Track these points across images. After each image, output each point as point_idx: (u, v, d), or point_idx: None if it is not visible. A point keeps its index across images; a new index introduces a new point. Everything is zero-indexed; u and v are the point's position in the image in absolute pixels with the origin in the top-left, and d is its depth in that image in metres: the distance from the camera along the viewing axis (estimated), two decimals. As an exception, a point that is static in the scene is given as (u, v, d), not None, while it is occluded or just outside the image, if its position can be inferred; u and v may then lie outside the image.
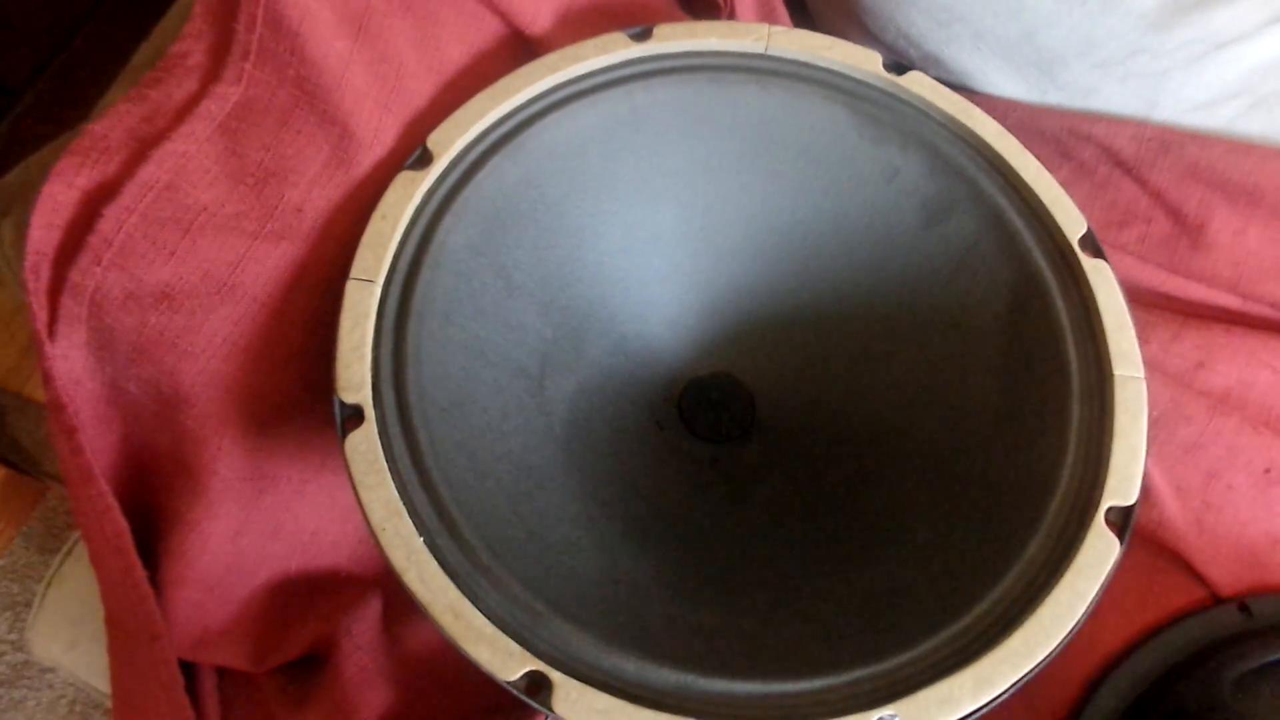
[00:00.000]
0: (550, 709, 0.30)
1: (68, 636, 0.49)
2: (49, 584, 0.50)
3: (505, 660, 0.30)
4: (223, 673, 0.44)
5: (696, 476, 0.42)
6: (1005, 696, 0.31)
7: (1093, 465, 0.35)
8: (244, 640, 0.42)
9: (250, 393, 0.38)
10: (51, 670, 0.80)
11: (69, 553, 0.51)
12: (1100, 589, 0.33)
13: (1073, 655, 0.41)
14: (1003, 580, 0.33)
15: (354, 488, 0.33)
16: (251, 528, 0.41)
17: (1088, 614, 0.32)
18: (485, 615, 0.31)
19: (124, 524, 0.37)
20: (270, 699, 0.43)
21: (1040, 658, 0.32)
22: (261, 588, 0.43)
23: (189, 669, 0.42)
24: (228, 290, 0.37)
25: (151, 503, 0.41)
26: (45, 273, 0.36)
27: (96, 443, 0.39)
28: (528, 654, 0.31)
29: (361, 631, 0.42)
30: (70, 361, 0.37)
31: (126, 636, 0.41)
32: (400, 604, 0.43)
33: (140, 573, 0.38)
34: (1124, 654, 0.41)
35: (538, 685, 0.30)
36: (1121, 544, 0.34)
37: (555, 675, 0.30)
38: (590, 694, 0.30)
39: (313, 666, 0.43)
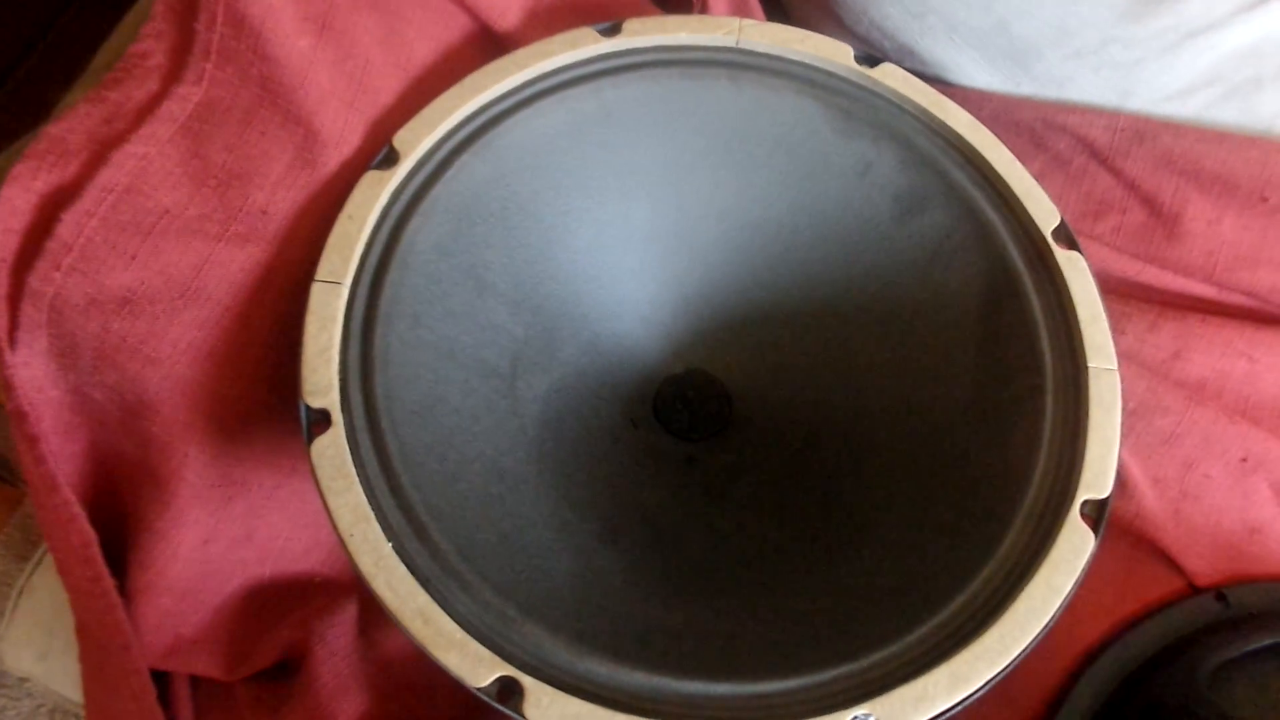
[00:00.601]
0: (522, 715, 0.30)
1: (39, 646, 0.48)
2: (20, 593, 0.49)
3: (475, 666, 0.30)
4: (197, 681, 0.43)
5: (672, 476, 0.42)
6: (980, 693, 0.31)
7: (1067, 459, 0.35)
8: (217, 648, 0.42)
9: (217, 398, 0.38)
10: (30, 679, 0.79)
11: (39, 561, 0.50)
12: (1075, 583, 0.33)
13: (1051, 648, 0.41)
14: (977, 576, 0.33)
15: (321, 493, 0.32)
16: (222, 535, 0.40)
17: (1063, 609, 0.32)
18: (455, 620, 0.31)
19: (91, 533, 0.37)
20: (245, 707, 0.42)
21: (1015, 653, 0.31)
22: (234, 595, 0.42)
23: (162, 678, 0.42)
24: (191, 295, 0.36)
25: (120, 511, 0.40)
26: (4, 279, 0.35)
27: (61, 451, 0.38)
28: (498, 659, 0.30)
29: (336, 637, 0.41)
30: (32, 369, 0.36)
31: (96, 646, 0.40)
32: (375, 609, 0.43)
33: (108, 582, 0.37)
34: (1102, 646, 0.41)
35: (509, 691, 0.30)
36: (1096, 538, 0.33)
37: (526, 680, 0.30)
38: (562, 699, 0.30)
39: (287, 673, 0.42)
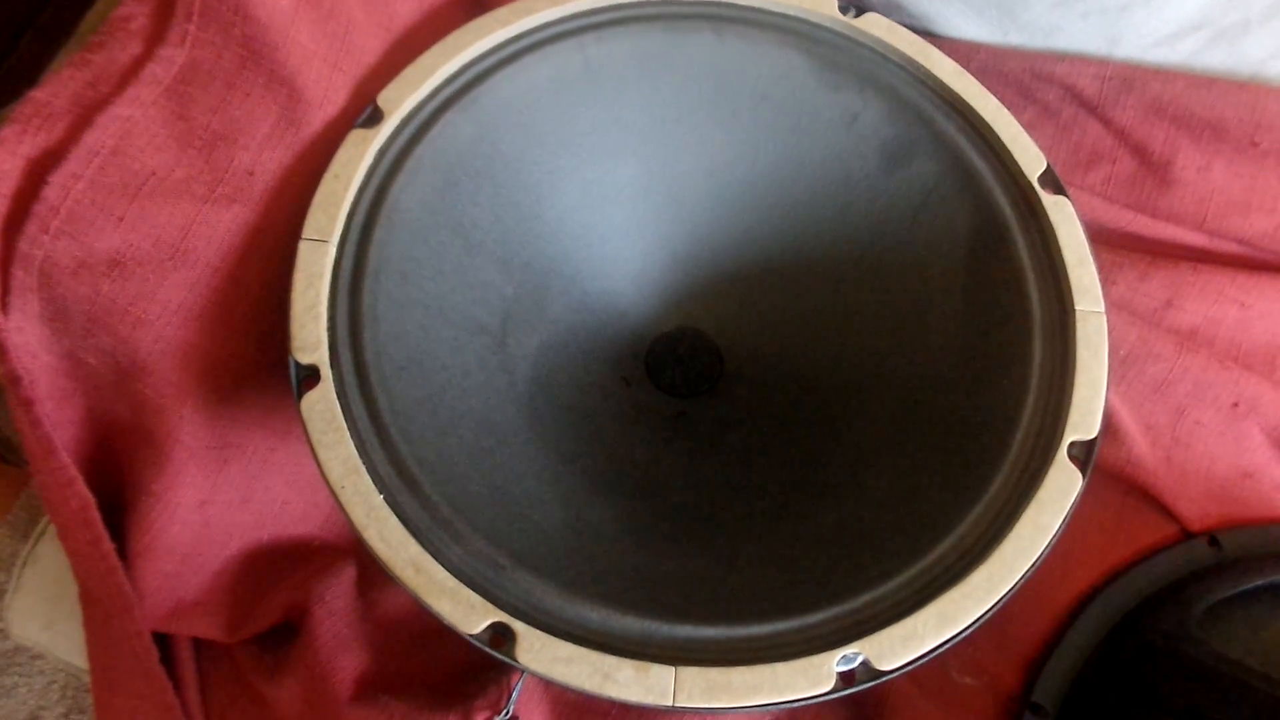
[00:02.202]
0: (514, 659, 0.30)
1: (44, 616, 0.49)
2: (24, 564, 0.49)
3: (467, 613, 0.30)
4: (198, 644, 0.44)
5: (663, 430, 0.42)
6: (968, 632, 0.31)
7: (1055, 401, 0.35)
8: (218, 610, 0.42)
9: (209, 359, 0.38)
10: (42, 656, 0.80)
11: (43, 532, 0.51)
12: (1063, 523, 0.33)
13: (1045, 592, 0.41)
14: (966, 518, 0.33)
15: (311, 447, 0.32)
16: (219, 497, 0.41)
17: (1050, 548, 0.32)
18: (447, 569, 0.31)
19: (88, 496, 0.37)
20: (246, 668, 0.43)
21: (1003, 592, 0.32)
22: (233, 558, 0.42)
23: (165, 641, 0.42)
24: (180, 256, 0.37)
25: (119, 476, 0.41)
26: (-7, 244, 0.35)
27: (58, 416, 0.38)
28: (490, 606, 0.31)
29: (335, 598, 0.42)
30: (25, 334, 0.36)
31: (99, 610, 0.40)
32: (374, 570, 0.43)
33: (108, 544, 0.38)
34: (1096, 590, 0.41)
35: (502, 636, 0.30)
36: (1084, 478, 0.33)
37: (518, 626, 0.30)
38: (554, 643, 0.30)
39: (287, 634, 0.43)
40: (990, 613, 0.31)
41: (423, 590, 0.31)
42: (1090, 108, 0.47)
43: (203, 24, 0.37)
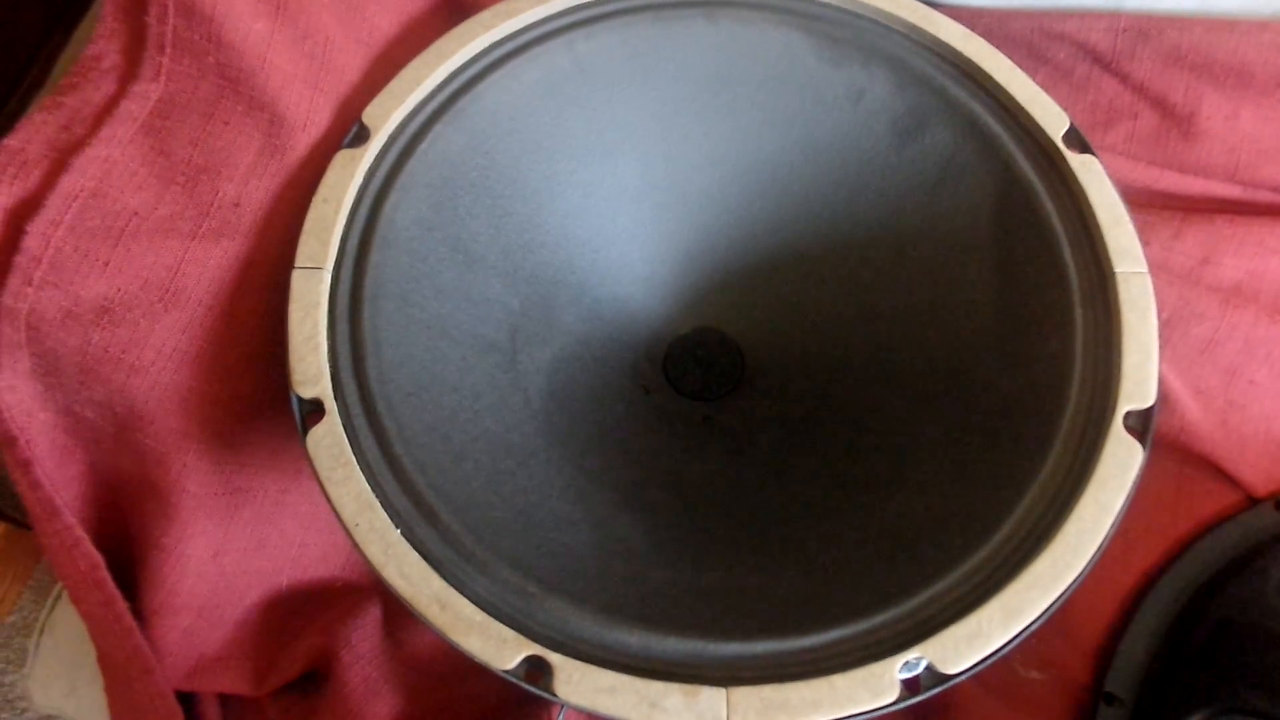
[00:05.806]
0: (553, 693, 0.28)
1: (65, 682, 0.47)
2: (41, 631, 0.48)
3: (499, 648, 0.28)
4: (225, 699, 0.42)
5: (689, 437, 0.40)
6: (1037, 625, 0.29)
7: (1104, 371, 0.33)
8: (242, 663, 0.40)
9: (209, 402, 0.36)
10: (71, 722, 0.78)
11: (59, 596, 0.49)
12: (1126, 499, 0.31)
13: (1107, 576, 0.39)
14: (1021, 502, 0.31)
15: (321, 485, 0.31)
16: (232, 545, 0.39)
17: (1115, 527, 0.30)
18: (474, 602, 0.29)
19: (97, 556, 0.36)
20: (276, 720, 0.41)
21: (1070, 579, 0.29)
22: (253, 608, 0.41)
23: (190, 699, 0.41)
24: (170, 297, 0.35)
25: (126, 531, 0.39)
26: (-24, 301, 0.34)
27: (58, 474, 0.37)
28: (523, 638, 0.29)
29: (361, 640, 0.40)
30: (18, 392, 0.35)
31: (119, 672, 0.39)
32: (399, 609, 0.41)
33: (121, 605, 0.36)
34: (1161, 569, 0.39)
35: (538, 670, 0.29)
36: (1144, 449, 0.31)
37: (554, 658, 0.28)
38: (594, 673, 0.28)
39: (316, 682, 0.41)
40: (1059, 602, 0.29)
41: (449, 627, 0.29)
42: (1105, 63, 0.44)
43: (176, 55, 0.36)
